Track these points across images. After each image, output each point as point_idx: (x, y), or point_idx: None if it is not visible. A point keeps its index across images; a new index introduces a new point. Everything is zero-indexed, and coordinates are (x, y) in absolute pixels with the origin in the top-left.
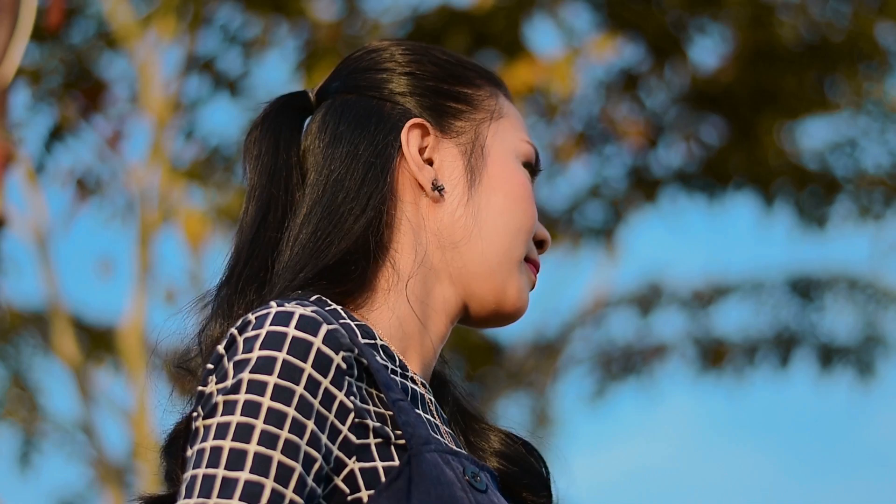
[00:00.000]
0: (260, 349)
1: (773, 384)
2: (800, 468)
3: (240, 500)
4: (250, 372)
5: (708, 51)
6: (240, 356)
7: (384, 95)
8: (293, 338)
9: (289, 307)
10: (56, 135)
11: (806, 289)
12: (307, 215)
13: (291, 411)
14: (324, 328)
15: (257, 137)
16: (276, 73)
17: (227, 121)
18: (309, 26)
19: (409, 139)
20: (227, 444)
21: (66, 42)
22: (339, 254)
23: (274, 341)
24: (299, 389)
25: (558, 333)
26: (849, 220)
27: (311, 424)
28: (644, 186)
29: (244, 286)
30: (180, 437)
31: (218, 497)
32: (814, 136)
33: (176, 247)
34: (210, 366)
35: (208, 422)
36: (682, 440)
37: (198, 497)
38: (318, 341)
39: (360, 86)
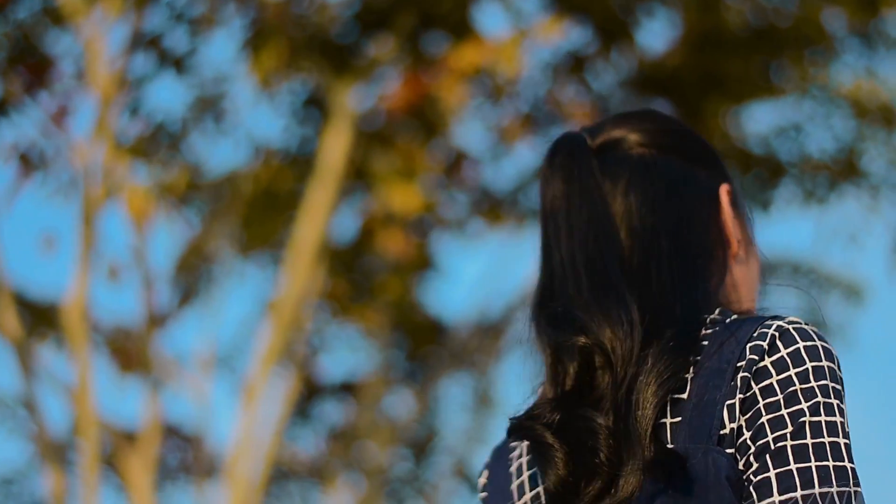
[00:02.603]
0: (826, 360)
1: None
2: None
3: (855, 486)
4: (831, 381)
5: (655, 35)
6: (819, 363)
7: (695, 160)
8: (836, 354)
9: (810, 327)
10: (0, 110)
11: None
12: (672, 250)
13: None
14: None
15: (564, 163)
16: (223, 51)
17: (172, 98)
18: (256, 5)
19: (727, 200)
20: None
21: (11, 17)
22: (712, 287)
23: (831, 356)
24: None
25: (502, 314)
26: (793, 203)
27: None
28: None
29: (622, 293)
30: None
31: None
32: (759, 120)
33: (120, 223)
34: (754, 356)
35: (793, 409)
36: None
37: (849, 462)
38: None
39: (668, 146)
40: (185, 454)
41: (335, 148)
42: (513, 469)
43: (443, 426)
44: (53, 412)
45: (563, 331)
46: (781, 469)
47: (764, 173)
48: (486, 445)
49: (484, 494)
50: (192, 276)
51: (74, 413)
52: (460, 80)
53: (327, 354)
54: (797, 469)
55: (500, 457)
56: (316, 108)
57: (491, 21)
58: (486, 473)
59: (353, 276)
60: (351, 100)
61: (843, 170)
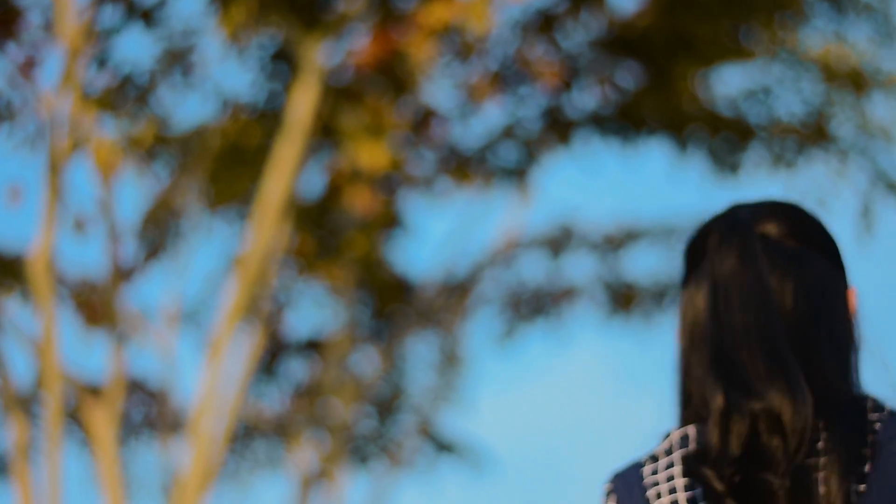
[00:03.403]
0: None
1: None
2: None
3: None
4: None
5: None
6: None
7: (835, 261)
8: None
9: None
10: None
11: None
12: (827, 338)
13: None
14: None
15: (739, 242)
16: (191, 4)
17: (140, 51)
18: None
19: (854, 303)
20: None
21: None
22: (856, 375)
23: None
24: None
25: (468, 273)
26: (761, 166)
27: None
28: (558, 128)
29: (796, 370)
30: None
31: None
32: (728, 83)
33: (86, 176)
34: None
35: None
36: (590, 382)
37: None
38: None
39: (816, 244)
40: (149, 409)
41: (303, 103)
42: (664, 501)
43: (408, 384)
44: (18, 365)
45: (738, 393)
46: None
47: (733, 136)
48: (451, 404)
49: None
50: (158, 230)
51: (39, 366)
52: (429, 36)
53: (293, 311)
54: None
55: (631, 483)
56: (284, 62)
57: None
58: (614, 497)
59: (320, 232)
60: (319, 55)
61: (812, 134)
